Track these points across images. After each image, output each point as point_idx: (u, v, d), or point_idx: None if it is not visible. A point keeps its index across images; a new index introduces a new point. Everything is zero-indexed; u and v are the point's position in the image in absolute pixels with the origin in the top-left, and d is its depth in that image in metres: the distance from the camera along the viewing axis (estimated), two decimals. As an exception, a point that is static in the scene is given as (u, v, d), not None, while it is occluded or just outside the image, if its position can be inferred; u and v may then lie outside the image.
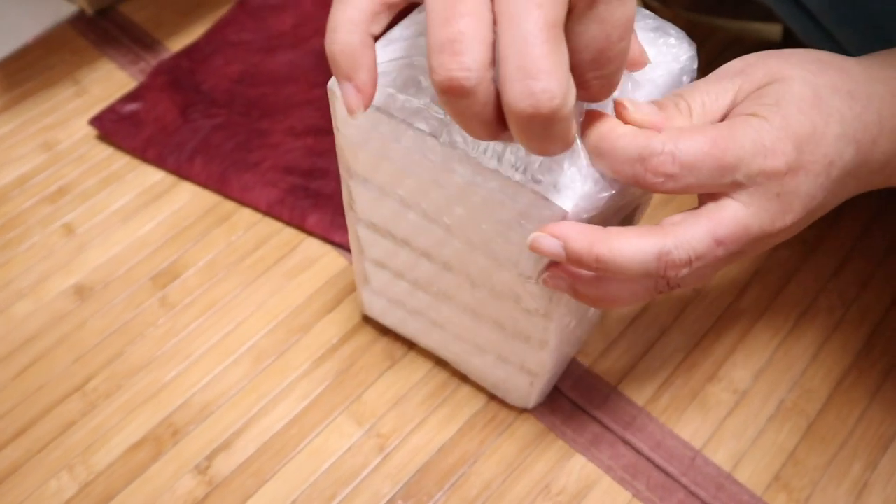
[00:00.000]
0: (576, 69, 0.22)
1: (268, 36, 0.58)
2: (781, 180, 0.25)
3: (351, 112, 0.25)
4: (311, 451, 0.39)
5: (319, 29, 0.58)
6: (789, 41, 0.54)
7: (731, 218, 0.25)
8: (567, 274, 0.28)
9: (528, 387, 0.38)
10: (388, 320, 0.41)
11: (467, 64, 0.21)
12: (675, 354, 0.42)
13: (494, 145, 0.27)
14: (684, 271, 0.25)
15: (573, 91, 0.21)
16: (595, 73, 0.23)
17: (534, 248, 0.26)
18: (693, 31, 0.32)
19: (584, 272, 0.28)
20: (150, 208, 0.49)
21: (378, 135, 0.30)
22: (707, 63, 0.28)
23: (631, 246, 0.25)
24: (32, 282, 0.46)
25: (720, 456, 0.38)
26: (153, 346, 0.43)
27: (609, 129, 0.25)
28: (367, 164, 0.32)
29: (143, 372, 0.42)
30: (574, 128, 0.23)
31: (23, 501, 0.38)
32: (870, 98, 0.27)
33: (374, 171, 0.32)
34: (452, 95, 0.21)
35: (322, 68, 0.56)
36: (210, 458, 0.39)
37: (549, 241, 0.26)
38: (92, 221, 0.49)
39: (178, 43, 0.58)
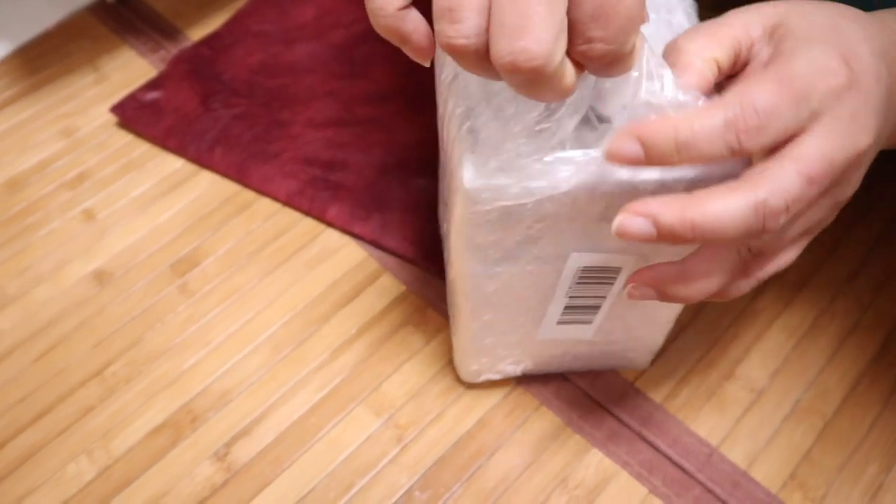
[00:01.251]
0: (576, 27, 0.22)
1: (288, 27, 0.58)
2: (849, 96, 0.25)
3: (424, 62, 0.25)
4: (330, 441, 0.39)
5: (340, 21, 0.58)
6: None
7: (814, 152, 0.24)
8: (650, 280, 0.28)
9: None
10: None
11: (464, 32, 0.22)
12: (693, 352, 0.42)
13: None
14: (783, 219, 0.24)
15: (560, 48, 0.22)
16: (598, 33, 0.22)
17: (622, 235, 0.25)
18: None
19: (668, 272, 0.28)
20: (170, 196, 0.49)
21: None
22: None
23: (725, 205, 0.24)
24: (52, 267, 0.46)
25: (736, 454, 0.39)
26: (173, 333, 0.43)
27: (675, 122, 0.24)
28: None
29: (163, 358, 0.43)
30: (568, 80, 0.23)
31: (42, 484, 0.39)
32: (881, 23, 0.27)
33: None
34: (453, 55, 0.23)
35: (342, 60, 0.56)
36: (229, 445, 0.39)
37: (637, 222, 0.25)
38: (112, 208, 0.49)
39: (198, 32, 0.58)
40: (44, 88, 0.56)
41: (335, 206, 0.47)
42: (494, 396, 0.41)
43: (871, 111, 0.25)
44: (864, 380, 0.41)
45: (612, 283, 0.33)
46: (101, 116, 0.54)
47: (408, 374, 0.41)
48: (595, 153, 0.27)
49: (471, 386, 0.41)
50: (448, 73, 0.30)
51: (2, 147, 0.52)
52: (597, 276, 0.32)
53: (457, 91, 0.29)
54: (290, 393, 0.41)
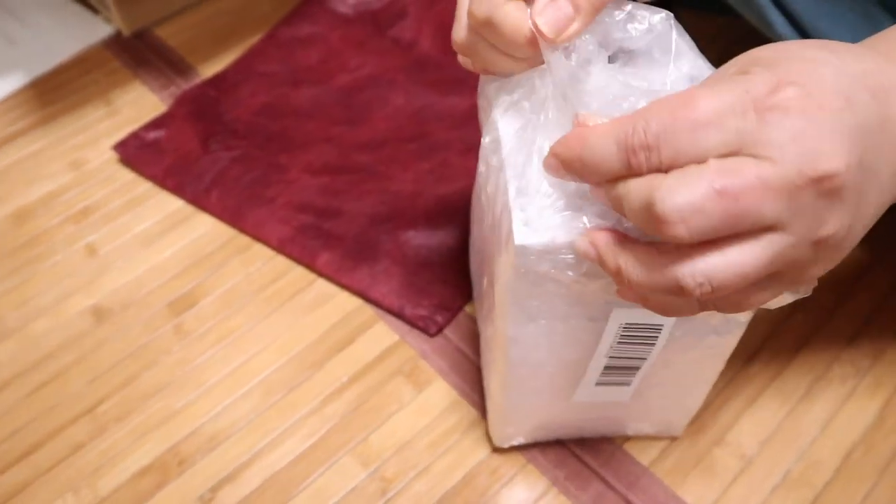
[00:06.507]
0: None
1: (294, 69, 0.59)
2: (780, 118, 0.23)
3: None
4: (315, 490, 0.39)
5: (344, 66, 0.59)
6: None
7: (738, 168, 0.22)
8: (599, 239, 0.26)
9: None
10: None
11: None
12: (684, 415, 0.42)
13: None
14: (681, 229, 0.22)
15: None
16: None
17: None
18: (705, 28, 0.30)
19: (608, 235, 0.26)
20: (171, 234, 0.50)
21: None
22: (719, 60, 0.26)
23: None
24: (53, 300, 0.47)
25: (723, 523, 0.38)
26: (166, 373, 0.44)
27: (578, 136, 0.25)
28: None
29: (155, 398, 0.43)
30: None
31: (28, 522, 0.39)
32: (871, 49, 0.25)
33: None
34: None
35: (343, 105, 0.56)
36: (214, 489, 0.40)
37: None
38: (114, 243, 0.50)
39: (211, 69, 0.59)
40: (56, 121, 0.57)
41: (325, 255, 0.47)
42: (481, 452, 0.40)
43: (831, 133, 0.22)
44: (859, 449, 0.41)
45: (653, 344, 0.32)
46: (110, 150, 0.54)
47: (397, 425, 0.41)
48: None
49: (460, 440, 0.41)
50: (490, 130, 0.31)
51: (11, 178, 0.53)
52: (638, 335, 0.32)
53: (499, 146, 0.29)
54: (279, 439, 0.41)
